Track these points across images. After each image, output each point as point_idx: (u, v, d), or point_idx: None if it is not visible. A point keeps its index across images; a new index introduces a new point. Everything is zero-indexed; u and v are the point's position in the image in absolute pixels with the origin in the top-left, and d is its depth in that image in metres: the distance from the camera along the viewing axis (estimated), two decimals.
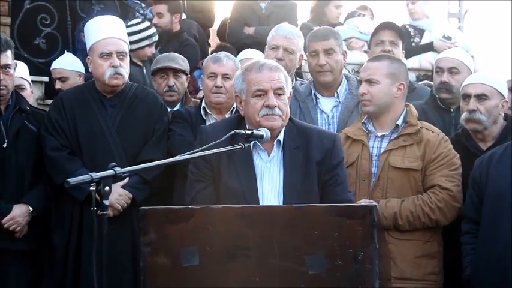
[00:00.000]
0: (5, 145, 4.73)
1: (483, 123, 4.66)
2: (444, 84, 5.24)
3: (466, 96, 4.71)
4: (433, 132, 4.51)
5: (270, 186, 3.71)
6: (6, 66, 4.69)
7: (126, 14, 7.79)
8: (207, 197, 3.73)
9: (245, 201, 3.62)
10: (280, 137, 3.74)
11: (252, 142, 3.63)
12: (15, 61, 4.91)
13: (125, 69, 4.83)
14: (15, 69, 4.85)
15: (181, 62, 5.74)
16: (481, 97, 4.65)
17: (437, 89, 5.30)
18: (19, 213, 4.73)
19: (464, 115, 4.70)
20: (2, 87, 4.70)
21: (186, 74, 5.77)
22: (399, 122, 4.50)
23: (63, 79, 6.13)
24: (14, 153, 4.75)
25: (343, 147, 4.09)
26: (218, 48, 7.28)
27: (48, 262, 4.84)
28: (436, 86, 5.34)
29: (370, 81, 4.49)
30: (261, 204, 3.65)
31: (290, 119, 3.82)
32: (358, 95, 4.63)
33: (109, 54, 4.79)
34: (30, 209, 4.77)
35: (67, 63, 6.20)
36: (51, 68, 6.28)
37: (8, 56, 4.71)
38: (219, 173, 3.73)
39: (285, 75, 3.74)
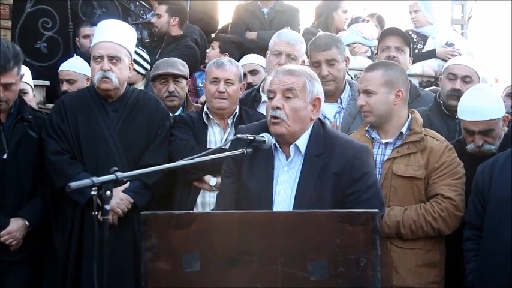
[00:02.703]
0: (5, 156, 4.70)
1: (492, 151, 4.57)
2: (457, 91, 5.17)
3: (469, 131, 4.60)
4: (437, 140, 4.49)
5: (283, 191, 3.69)
6: (11, 84, 4.62)
7: (127, 18, 7.79)
8: (233, 191, 3.79)
9: (260, 202, 3.62)
10: (299, 142, 3.71)
11: (272, 144, 3.67)
12: (22, 70, 4.85)
13: (116, 74, 4.78)
14: (21, 78, 4.78)
15: (181, 67, 5.72)
16: (486, 132, 4.55)
17: (448, 95, 5.24)
18: (16, 228, 4.71)
19: (471, 147, 4.60)
20: (1, 103, 4.65)
21: (186, 79, 5.75)
22: (403, 129, 4.47)
23: (71, 81, 6.08)
24: (14, 165, 4.72)
25: None
26: (224, 40, 7.29)
27: (48, 266, 4.82)
28: (447, 92, 5.26)
29: (367, 92, 4.46)
30: (273, 207, 3.65)
31: (322, 124, 3.81)
32: (358, 107, 4.61)
33: (100, 58, 4.79)
34: (27, 223, 4.75)
35: (76, 66, 6.16)
36: (59, 70, 6.25)
37: (13, 74, 4.61)
38: (241, 172, 3.75)
39: (304, 80, 3.71)
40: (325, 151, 3.69)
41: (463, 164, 4.48)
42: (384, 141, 4.50)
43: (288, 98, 3.66)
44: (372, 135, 4.52)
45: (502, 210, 4.15)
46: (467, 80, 5.23)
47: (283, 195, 3.68)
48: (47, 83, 7.09)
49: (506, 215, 4.11)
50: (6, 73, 4.55)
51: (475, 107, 4.59)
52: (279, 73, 3.72)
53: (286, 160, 3.73)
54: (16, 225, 4.72)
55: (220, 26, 8.58)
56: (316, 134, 3.74)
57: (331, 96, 5.09)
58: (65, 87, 6.06)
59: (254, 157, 3.65)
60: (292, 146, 3.71)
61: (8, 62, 4.53)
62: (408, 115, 4.53)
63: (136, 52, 6.36)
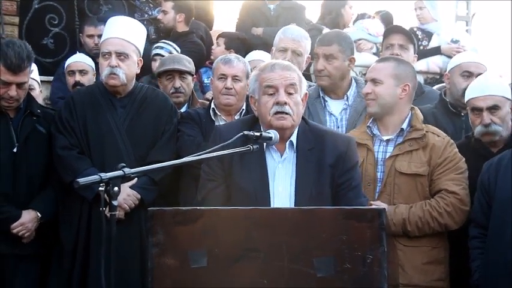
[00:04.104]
0: (15, 150, 4.73)
1: (500, 133, 4.58)
2: None
3: (476, 109, 4.62)
4: (438, 136, 4.49)
5: (282, 187, 3.69)
6: (24, 83, 4.68)
7: (133, 14, 7.80)
8: (218, 197, 3.74)
9: (256, 201, 3.60)
10: (293, 138, 3.73)
11: (265, 143, 3.64)
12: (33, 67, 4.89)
13: (123, 70, 4.80)
14: (31, 73, 4.82)
15: (187, 63, 5.72)
16: (492, 109, 4.57)
17: (464, 94, 5.21)
18: (28, 219, 4.74)
19: (479, 129, 4.61)
20: (13, 101, 4.69)
21: (192, 75, 5.76)
22: (404, 125, 4.48)
23: (83, 72, 6.17)
24: (24, 158, 4.74)
25: None
26: (230, 36, 7.30)
27: (56, 261, 4.84)
28: (462, 90, 5.13)
29: (374, 81, 4.49)
30: (271, 205, 3.65)
31: (305, 120, 3.83)
32: (363, 95, 4.62)
33: (108, 54, 4.81)
34: (39, 215, 4.78)
35: (84, 58, 6.30)
36: (69, 63, 6.30)
37: (27, 73, 4.67)
38: (231, 172, 3.73)
39: (298, 75, 3.74)
40: (316, 145, 3.74)
41: (464, 159, 4.48)
42: (384, 138, 4.50)
43: (290, 93, 3.67)
44: (373, 132, 4.53)
45: (505, 210, 4.15)
46: None
47: (282, 191, 3.70)
48: None
49: (508, 214, 4.11)
50: (21, 72, 4.60)
51: (485, 83, 4.67)
52: (276, 68, 3.70)
53: (281, 157, 3.74)
54: (28, 217, 4.74)
55: (216, 23, 8.62)
56: (303, 129, 3.77)
57: (336, 92, 5.09)
58: (77, 78, 6.14)
59: (243, 157, 3.64)
60: (288, 142, 3.73)
61: (23, 62, 4.59)
62: (409, 111, 4.54)
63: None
